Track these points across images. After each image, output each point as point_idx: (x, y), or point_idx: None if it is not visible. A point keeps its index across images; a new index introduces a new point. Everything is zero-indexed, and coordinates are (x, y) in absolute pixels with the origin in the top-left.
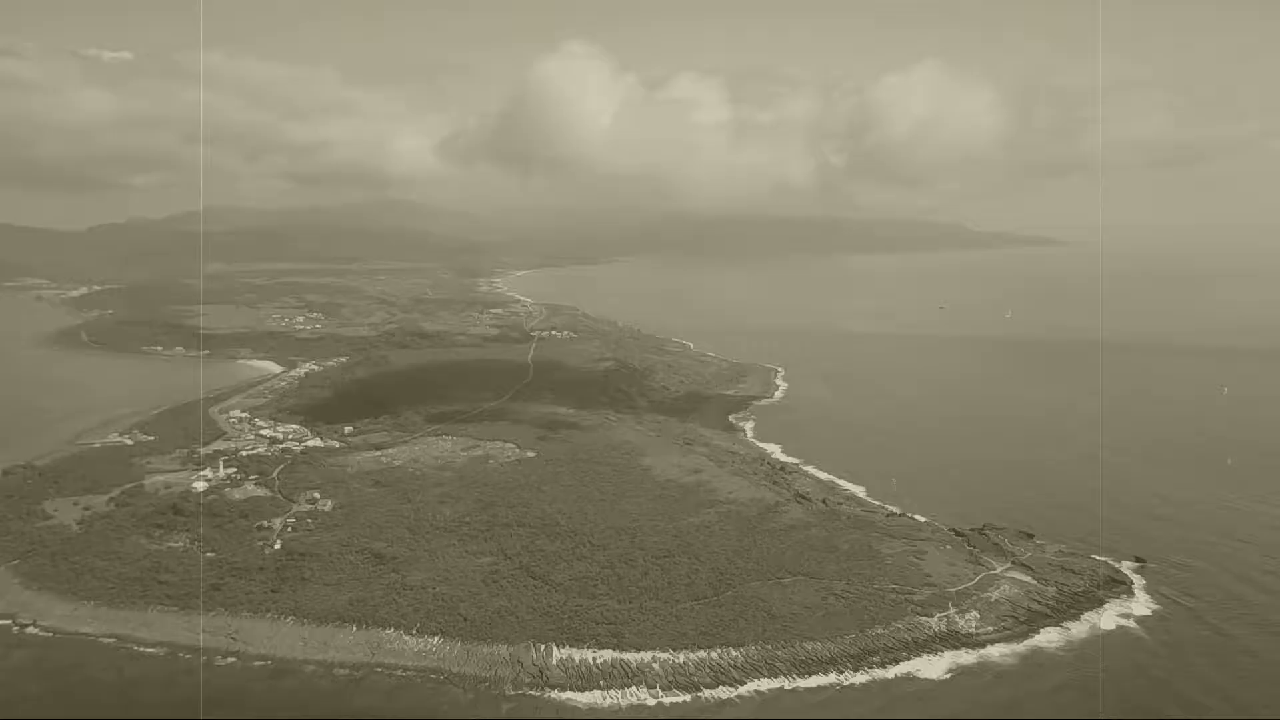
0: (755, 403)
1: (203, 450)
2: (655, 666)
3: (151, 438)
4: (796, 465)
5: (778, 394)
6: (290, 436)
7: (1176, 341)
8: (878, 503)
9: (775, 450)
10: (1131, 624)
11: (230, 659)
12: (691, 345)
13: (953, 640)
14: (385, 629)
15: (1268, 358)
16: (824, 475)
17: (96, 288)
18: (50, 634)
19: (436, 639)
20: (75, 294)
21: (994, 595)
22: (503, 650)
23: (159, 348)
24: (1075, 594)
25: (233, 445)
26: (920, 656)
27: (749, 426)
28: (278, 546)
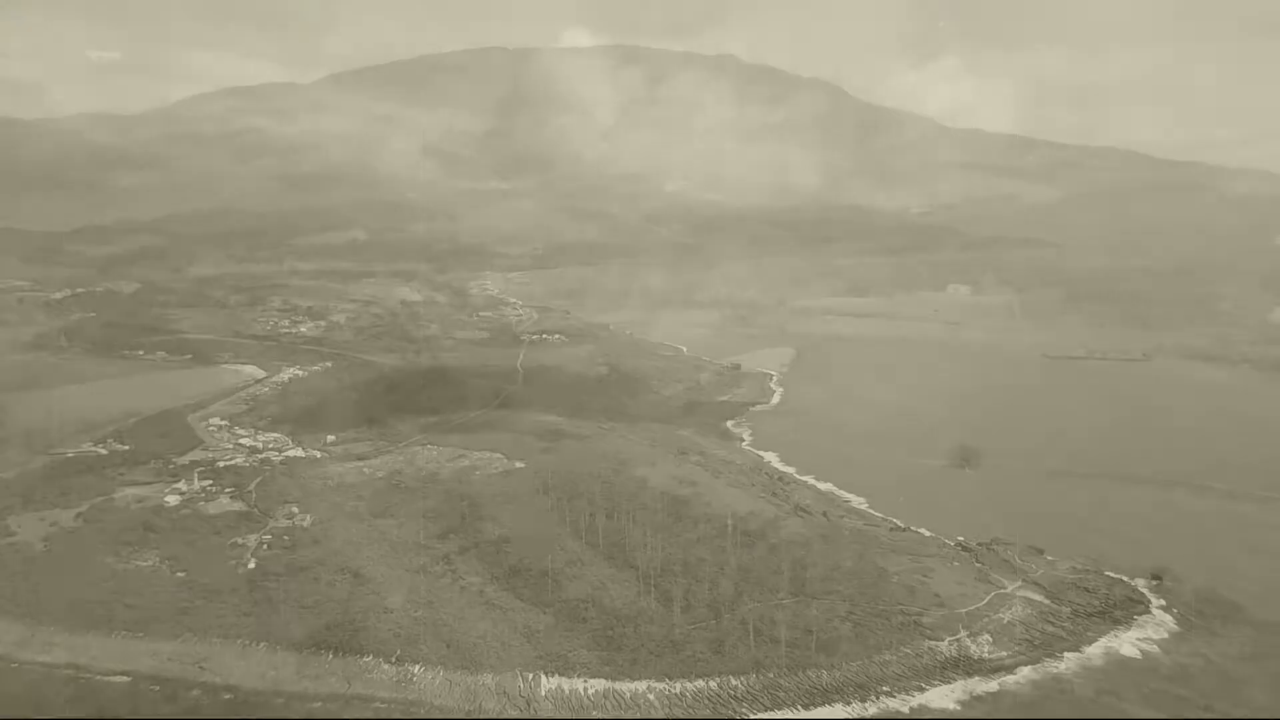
0: (751, 409)
1: (178, 461)
2: (650, 697)
3: (127, 447)
4: (794, 475)
5: (774, 399)
6: (270, 446)
7: (1181, 346)
8: (880, 515)
9: (772, 458)
10: (1150, 646)
11: (195, 691)
12: (685, 349)
13: (965, 666)
14: (363, 656)
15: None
16: (823, 486)
17: (80, 290)
18: (2, 662)
19: (417, 667)
20: (57, 296)
21: (1006, 617)
22: (488, 680)
23: (140, 352)
24: (1090, 615)
25: (210, 455)
26: (932, 684)
27: (745, 434)
28: (252, 566)
